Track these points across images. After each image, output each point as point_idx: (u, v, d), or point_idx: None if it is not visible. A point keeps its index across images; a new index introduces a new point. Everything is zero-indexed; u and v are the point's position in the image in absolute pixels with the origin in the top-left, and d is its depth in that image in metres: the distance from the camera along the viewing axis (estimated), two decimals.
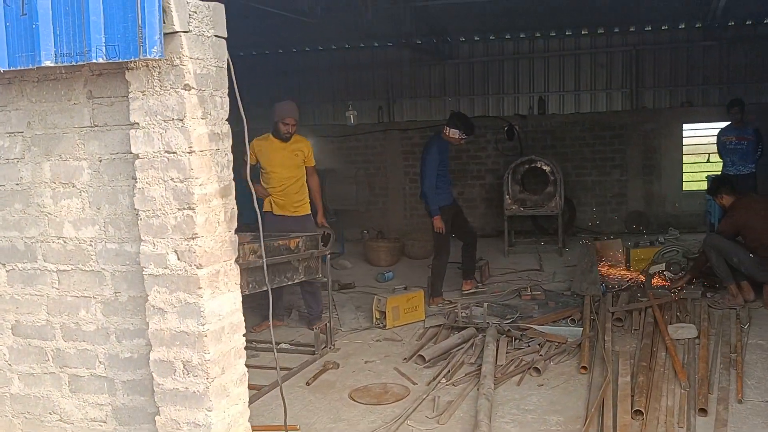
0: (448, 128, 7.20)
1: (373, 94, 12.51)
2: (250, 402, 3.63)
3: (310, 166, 6.59)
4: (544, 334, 5.75)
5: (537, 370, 5.00)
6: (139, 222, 3.13)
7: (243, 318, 3.39)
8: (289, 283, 5.53)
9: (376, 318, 6.57)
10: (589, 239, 10.25)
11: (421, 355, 5.36)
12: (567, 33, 11.50)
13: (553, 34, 11.59)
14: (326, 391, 5.03)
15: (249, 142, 3.94)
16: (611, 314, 6.14)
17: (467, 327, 6.02)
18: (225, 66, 3.18)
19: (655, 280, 7.52)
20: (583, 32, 11.45)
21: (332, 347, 5.92)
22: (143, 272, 3.16)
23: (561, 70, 11.75)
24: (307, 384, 5.14)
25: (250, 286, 4.98)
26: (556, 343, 5.59)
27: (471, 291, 7.57)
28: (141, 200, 3.11)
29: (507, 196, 9.87)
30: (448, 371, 5.14)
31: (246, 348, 3.49)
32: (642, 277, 7.62)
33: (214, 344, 3.12)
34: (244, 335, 3.41)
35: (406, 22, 9.04)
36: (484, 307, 6.32)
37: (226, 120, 3.22)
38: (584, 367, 5.00)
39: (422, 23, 10.42)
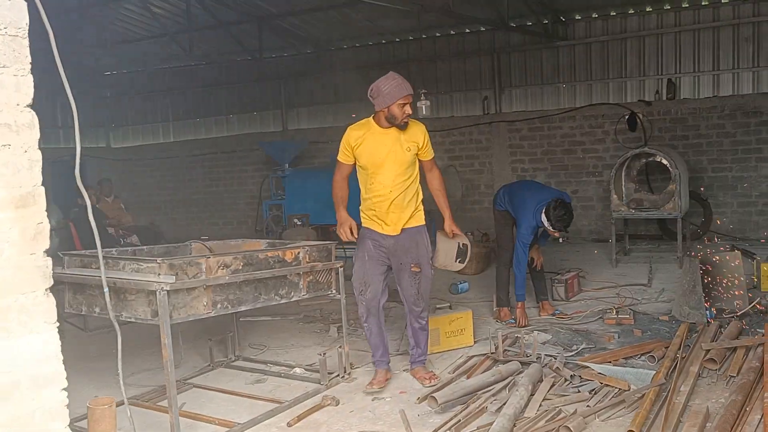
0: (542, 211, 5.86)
1: (478, 83, 11.37)
2: None
3: (428, 160, 4.76)
4: (603, 376, 4.47)
5: (569, 430, 3.78)
6: None
7: (62, 368, 2.56)
8: (285, 301, 4.67)
9: None
10: (727, 246, 8.53)
11: (433, 397, 4.30)
12: (703, 2, 9.73)
13: (686, 5, 9.87)
14: None
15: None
16: (704, 352, 4.72)
17: (510, 360, 4.86)
18: (22, 35, 2.36)
19: None
20: (723, 0, 9.64)
21: (347, 376, 5.00)
22: None
23: (696, 47, 9.99)
24: (288, 425, 4.26)
25: (219, 306, 4.19)
26: (616, 390, 4.30)
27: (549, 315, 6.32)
28: None
29: (614, 196, 8.38)
30: (458, 421, 4.04)
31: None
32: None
33: None
34: (65, 389, 2.58)
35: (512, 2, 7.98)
36: (535, 335, 5.11)
37: (28, 106, 2.41)
38: None
39: (532, 1, 9.26)
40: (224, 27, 11.15)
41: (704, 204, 9.73)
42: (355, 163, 4.69)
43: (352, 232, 4.63)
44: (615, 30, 10.43)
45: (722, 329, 5.38)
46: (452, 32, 11.41)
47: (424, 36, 11.61)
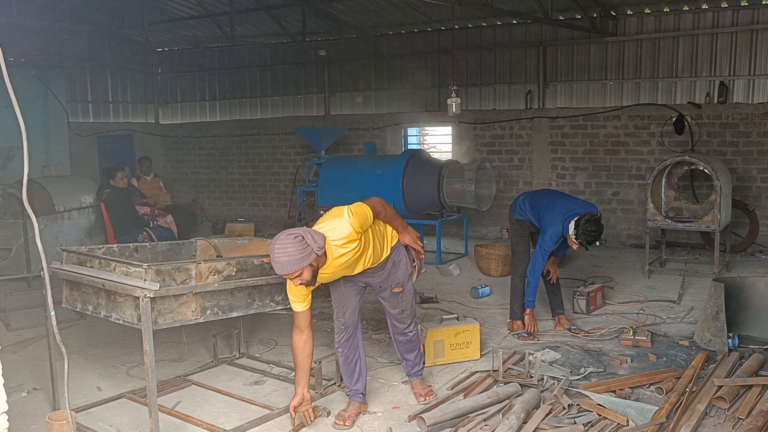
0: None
1: (523, 76, 11.05)
2: None
3: (369, 226, 4.04)
4: (602, 408, 4.28)
5: None
6: None
7: (2, 391, 2.54)
8: (281, 307, 4.60)
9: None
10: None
11: (422, 418, 4.19)
12: (763, 1, 9.18)
13: (745, 4, 9.33)
14: None
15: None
16: (716, 388, 4.48)
17: (510, 382, 4.71)
18: None
19: None
20: None
21: (343, 384, 4.92)
22: None
23: (752, 47, 9.43)
24: None
25: (209, 312, 4.16)
26: (615, 425, 4.11)
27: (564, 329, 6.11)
28: None
29: (650, 204, 8.04)
30: None
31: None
32: None
33: None
34: (5, 413, 2.56)
35: None
36: (538, 356, 4.93)
37: None
38: None
39: None
40: (266, 10, 11.09)
41: (751, 215, 9.27)
42: (310, 307, 4.16)
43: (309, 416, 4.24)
44: (667, 27, 9.94)
45: (743, 360, 5.11)
46: (498, 23, 11.10)
47: (470, 25, 11.34)
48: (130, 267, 3.94)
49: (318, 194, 10.28)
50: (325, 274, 4.04)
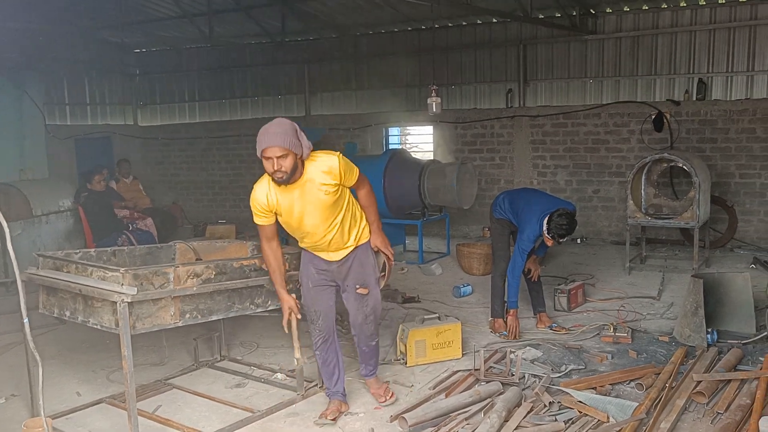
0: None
1: (504, 75, 11.07)
2: None
3: (351, 185, 4.19)
4: (582, 405, 4.29)
5: None
6: None
7: None
8: (261, 310, 4.57)
9: (400, 351, 5.43)
10: (759, 261, 8.24)
11: (404, 418, 4.18)
12: None
13: (723, 1, 9.41)
14: None
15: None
16: (695, 383, 4.51)
17: (492, 381, 4.71)
18: None
19: None
20: None
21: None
22: None
23: (730, 44, 9.51)
24: None
25: (188, 315, 4.13)
26: (595, 421, 4.13)
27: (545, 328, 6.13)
28: None
29: (630, 201, 8.08)
30: None
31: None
32: None
33: None
34: None
35: None
36: (519, 354, 4.93)
37: None
38: None
39: None
40: (244, 10, 11.03)
41: (729, 211, 9.36)
42: (276, 221, 4.14)
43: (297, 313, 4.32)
44: (646, 25, 10.00)
45: (722, 355, 5.15)
46: (478, 21, 11.12)
47: (450, 24, 11.36)
48: (107, 271, 3.89)
49: None
50: (287, 207, 4.00)
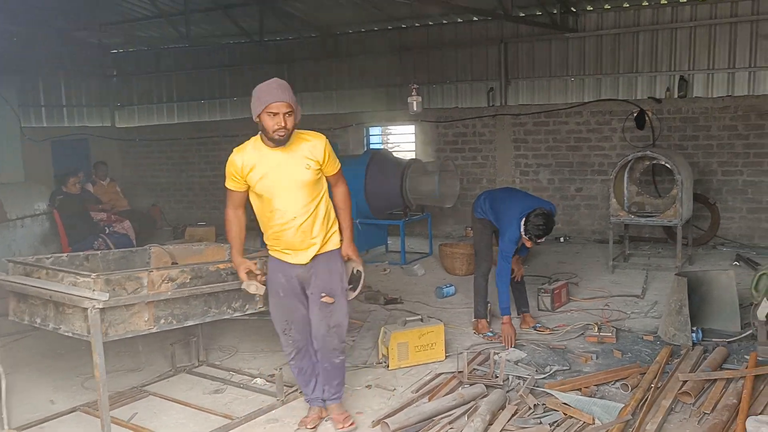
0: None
1: (485, 74, 11.01)
2: None
3: (333, 174, 4.08)
4: (567, 407, 4.22)
5: None
6: None
7: None
8: (239, 314, 4.46)
9: (382, 354, 5.34)
10: (742, 258, 8.23)
11: (386, 422, 4.09)
12: None
13: None
14: None
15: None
16: (680, 383, 4.45)
17: (475, 383, 4.63)
18: None
19: None
20: None
21: None
22: None
23: (711, 42, 9.52)
24: None
25: (162, 321, 4.01)
26: (580, 423, 4.06)
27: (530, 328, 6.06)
28: None
29: (613, 200, 8.05)
30: None
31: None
32: None
33: None
34: None
35: None
36: (503, 355, 4.85)
37: None
38: None
39: None
40: (222, 9, 10.89)
41: (712, 208, 9.36)
42: (248, 191, 3.97)
43: (256, 273, 4.09)
44: (627, 22, 9.98)
45: (707, 354, 5.10)
46: (459, 20, 11.06)
47: (430, 23, 11.29)
48: (78, 277, 3.77)
49: None
50: (262, 175, 3.85)
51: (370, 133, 12.32)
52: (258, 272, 4.09)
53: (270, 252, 4.09)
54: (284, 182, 3.85)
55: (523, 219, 5.42)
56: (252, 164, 3.85)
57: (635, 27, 9.94)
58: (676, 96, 9.68)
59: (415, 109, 7.87)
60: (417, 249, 9.98)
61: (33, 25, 10.80)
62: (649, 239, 9.81)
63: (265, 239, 4.11)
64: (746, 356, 5.06)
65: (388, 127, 12.51)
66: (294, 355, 4.22)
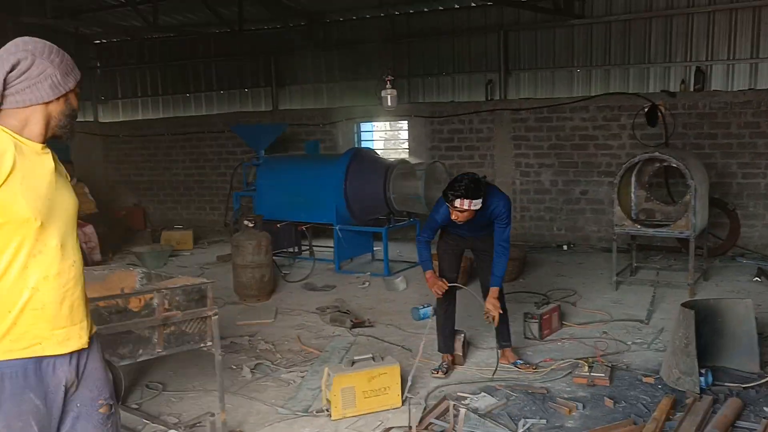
0: None
1: (483, 65, 10.10)
2: None
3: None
4: None
5: None
6: None
7: None
8: (129, 361, 3.62)
9: (326, 400, 4.47)
10: (764, 273, 7.29)
11: None
12: None
13: None
14: None
15: None
16: None
17: None
18: None
19: None
20: None
21: None
22: None
23: (732, 28, 8.57)
24: None
25: None
26: None
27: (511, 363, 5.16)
28: None
29: (617, 207, 7.11)
30: None
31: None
32: None
33: None
34: None
35: None
36: (462, 413, 3.97)
37: None
38: None
39: None
40: None
41: (731, 215, 8.38)
42: None
43: None
44: (639, 7, 9.04)
45: (718, 405, 4.18)
46: (456, 6, 10.14)
47: (425, 9, 10.39)
48: None
49: (255, 199, 9.29)
50: (30, 180, 2.15)
51: (362, 129, 11.44)
52: None
53: (5, 356, 2.15)
54: (57, 203, 2.27)
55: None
56: (11, 169, 2.13)
57: (647, 12, 9.02)
58: (692, 89, 8.78)
59: (389, 103, 7.00)
60: (407, 257, 9.09)
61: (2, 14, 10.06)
62: (661, 248, 8.84)
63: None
64: (765, 408, 4.14)
65: (380, 124, 11.63)
66: None
